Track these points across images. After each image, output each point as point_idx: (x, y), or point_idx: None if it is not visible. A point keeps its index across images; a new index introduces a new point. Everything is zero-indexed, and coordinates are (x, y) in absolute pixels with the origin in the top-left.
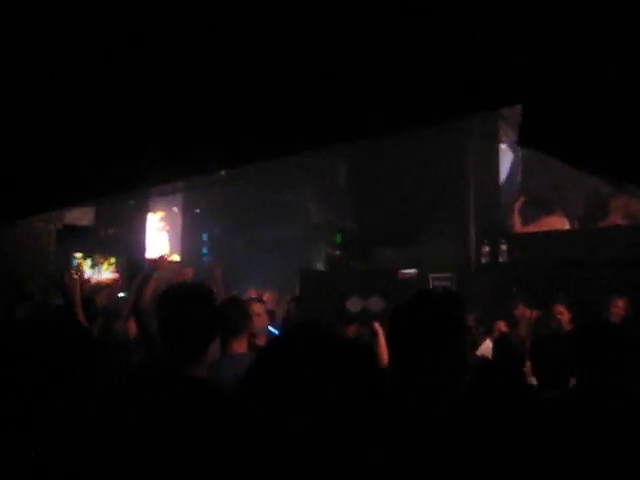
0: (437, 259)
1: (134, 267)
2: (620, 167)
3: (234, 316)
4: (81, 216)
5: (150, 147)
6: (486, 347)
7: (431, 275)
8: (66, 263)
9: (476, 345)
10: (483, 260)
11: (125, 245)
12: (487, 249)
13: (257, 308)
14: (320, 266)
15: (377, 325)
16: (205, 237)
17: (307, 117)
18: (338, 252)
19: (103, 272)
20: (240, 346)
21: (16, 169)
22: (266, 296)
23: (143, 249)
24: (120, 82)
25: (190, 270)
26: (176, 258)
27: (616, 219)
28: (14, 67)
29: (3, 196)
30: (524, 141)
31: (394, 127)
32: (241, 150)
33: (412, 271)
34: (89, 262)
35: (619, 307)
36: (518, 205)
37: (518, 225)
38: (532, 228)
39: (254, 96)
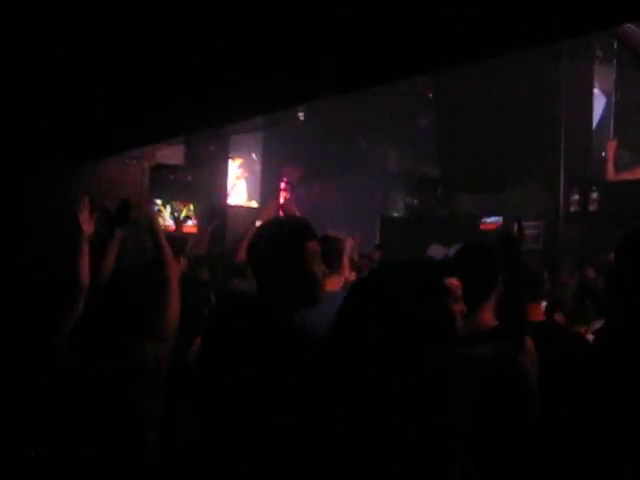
0: (523, 207)
1: (214, 214)
2: None
3: (327, 253)
4: (170, 155)
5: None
6: None
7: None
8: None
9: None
10: (572, 209)
11: (206, 191)
12: (577, 197)
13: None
14: (398, 214)
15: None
16: (283, 185)
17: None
18: (417, 200)
19: (182, 219)
20: (333, 283)
21: (109, 103)
22: (348, 242)
23: (224, 195)
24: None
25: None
26: (254, 205)
27: None
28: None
29: (100, 131)
30: None
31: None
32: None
33: (496, 219)
34: (168, 209)
35: None
36: (611, 151)
37: (611, 172)
38: (626, 175)
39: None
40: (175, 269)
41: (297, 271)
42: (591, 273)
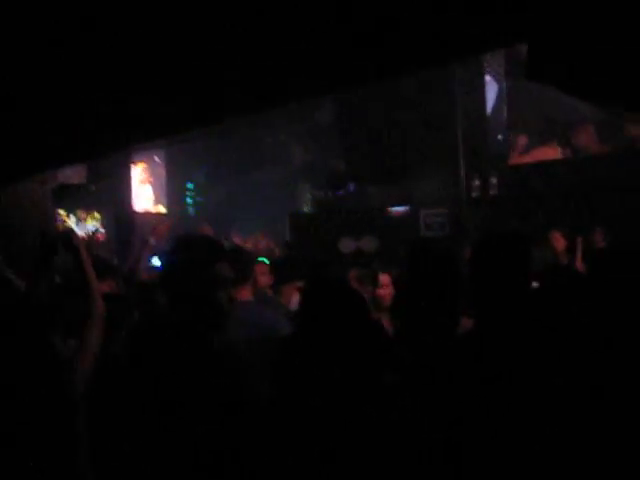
0: (428, 195)
1: (121, 221)
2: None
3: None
4: (72, 174)
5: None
6: None
7: (423, 211)
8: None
9: None
10: (474, 194)
11: (110, 199)
12: (477, 183)
13: (261, 268)
14: (307, 208)
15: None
16: (190, 186)
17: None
18: (324, 193)
19: (87, 227)
20: (244, 294)
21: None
22: (260, 243)
23: (129, 202)
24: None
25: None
26: (161, 209)
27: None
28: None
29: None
30: (531, 76)
31: (402, 70)
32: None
33: (403, 208)
34: (73, 218)
35: (598, 238)
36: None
37: (515, 157)
38: (526, 159)
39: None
40: (100, 303)
41: (204, 295)
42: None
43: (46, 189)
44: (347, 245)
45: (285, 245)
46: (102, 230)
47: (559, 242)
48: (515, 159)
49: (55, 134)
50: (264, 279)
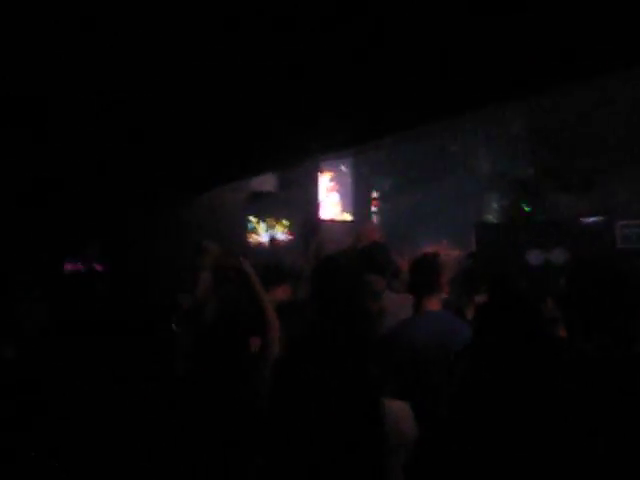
0: (624, 205)
1: (307, 228)
2: None
3: (426, 274)
4: (263, 182)
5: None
6: None
7: (619, 223)
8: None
9: None
10: None
11: (298, 206)
12: None
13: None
14: (494, 218)
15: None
16: (375, 195)
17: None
18: (513, 203)
19: (278, 234)
20: (433, 304)
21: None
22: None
23: (316, 210)
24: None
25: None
26: (347, 217)
27: None
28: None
29: (205, 167)
30: None
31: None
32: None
33: (596, 218)
34: (263, 226)
35: None
36: None
37: None
38: None
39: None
40: (276, 328)
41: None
42: None
43: (239, 197)
44: (536, 257)
45: (470, 256)
46: (283, 237)
47: None
48: None
49: (247, 146)
50: None
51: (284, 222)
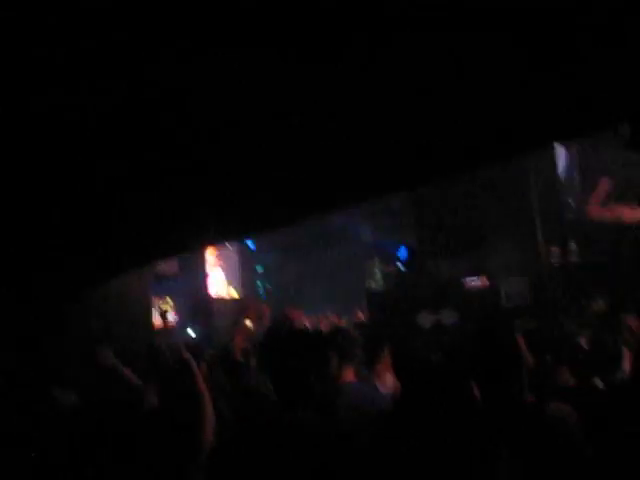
0: (505, 266)
1: (197, 306)
2: None
3: (343, 345)
4: (167, 266)
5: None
6: None
7: (503, 282)
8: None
9: None
10: (554, 261)
11: (195, 286)
12: (557, 250)
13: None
14: (377, 285)
15: None
16: (260, 269)
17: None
18: (396, 269)
19: (168, 314)
20: (348, 374)
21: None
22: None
23: (204, 287)
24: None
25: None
26: (233, 293)
27: None
28: None
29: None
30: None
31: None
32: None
33: (481, 279)
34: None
35: None
36: (602, 187)
37: (595, 209)
38: (606, 213)
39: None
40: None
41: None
42: None
43: (145, 281)
44: (426, 319)
45: (357, 327)
46: (171, 317)
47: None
48: (594, 209)
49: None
50: None
51: (169, 301)
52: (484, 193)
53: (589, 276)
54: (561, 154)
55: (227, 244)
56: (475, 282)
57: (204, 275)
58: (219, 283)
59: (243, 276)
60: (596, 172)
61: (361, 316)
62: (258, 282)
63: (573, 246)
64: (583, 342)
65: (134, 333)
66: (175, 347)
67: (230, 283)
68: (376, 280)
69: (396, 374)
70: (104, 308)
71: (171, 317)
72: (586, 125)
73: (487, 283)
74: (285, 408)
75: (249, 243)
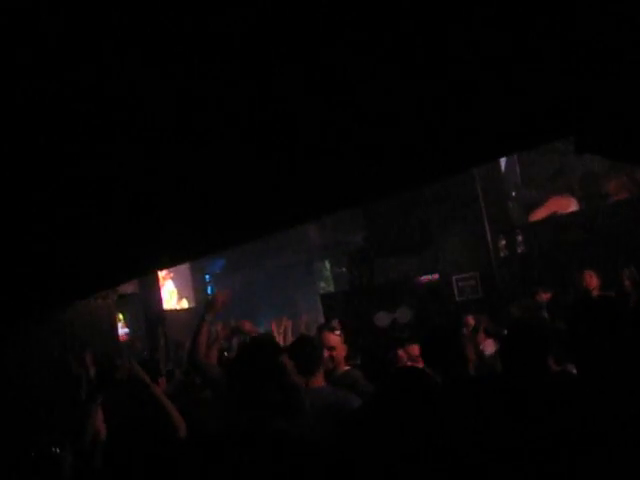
0: (456, 261)
1: (151, 319)
2: None
3: (307, 354)
4: (127, 285)
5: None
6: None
7: (454, 277)
8: None
9: None
10: (502, 254)
11: (138, 299)
12: (504, 242)
13: (332, 340)
14: (327, 286)
15: None
16: (207, 278)
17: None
18: (347, 269)
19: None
20: (318, 379)
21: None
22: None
23: (159, 300)
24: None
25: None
26: (185, 304)
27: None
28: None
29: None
30: (580, 150)
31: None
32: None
33: (433, 276)
34: None
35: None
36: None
37: (534, 214)
38: (543, 212)
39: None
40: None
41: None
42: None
43: (109, 302)
44: (382, 319)
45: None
46: (126, 330)
47: (592, 280)
48: (534, 216)
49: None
50: (338, 352)
51: (120, 316)
52: (430, 191)
53: (536, 265)
54: None
55: None
56: (429, 279)
57: (157, 287)
58: (171, 295)
59: (195, 286)
60: (535, 165)
61: (306, 319)
62: (208, 290)
63: (519, 238)
64: None
65: (103, 347)
66: (127, 362)
67: (181, 293)
68: (327, 281)
69: (367, 377)
70: (72, 328)
71: (121, 330)
72: (529, 141)
73: (440, 280)
74: (252, 420)
75: None
